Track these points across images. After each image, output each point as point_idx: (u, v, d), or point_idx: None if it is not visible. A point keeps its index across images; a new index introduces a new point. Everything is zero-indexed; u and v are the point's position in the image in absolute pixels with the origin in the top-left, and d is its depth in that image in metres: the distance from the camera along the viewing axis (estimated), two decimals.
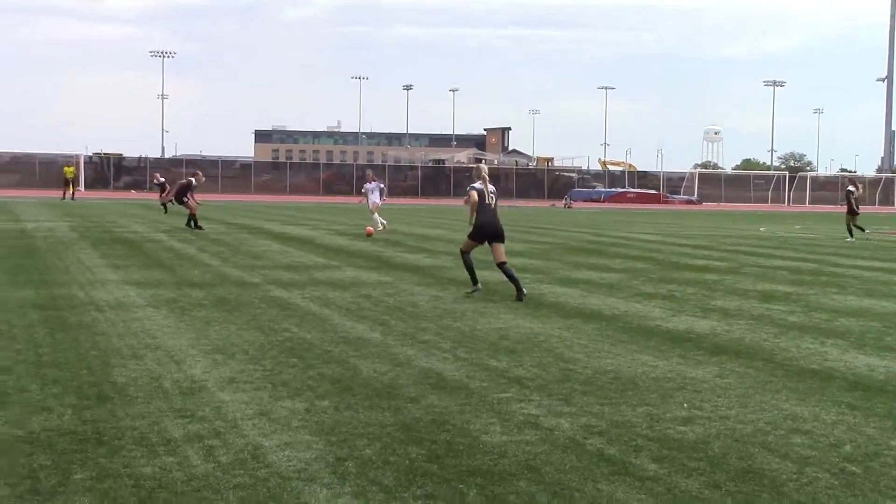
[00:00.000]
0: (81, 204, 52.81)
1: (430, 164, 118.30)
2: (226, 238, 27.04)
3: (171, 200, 39.94)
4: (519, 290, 14.82)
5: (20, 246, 22.56)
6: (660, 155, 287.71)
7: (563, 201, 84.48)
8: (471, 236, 15.34)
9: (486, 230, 15.17)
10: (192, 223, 30.14)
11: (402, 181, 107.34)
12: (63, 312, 12.34)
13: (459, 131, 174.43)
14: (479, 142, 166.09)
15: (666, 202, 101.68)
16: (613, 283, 17.63)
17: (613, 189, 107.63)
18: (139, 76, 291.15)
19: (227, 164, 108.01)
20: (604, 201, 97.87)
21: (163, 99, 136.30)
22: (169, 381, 8.53)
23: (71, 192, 60.93)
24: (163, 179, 45.27)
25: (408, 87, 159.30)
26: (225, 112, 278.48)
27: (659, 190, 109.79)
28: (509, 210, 66.23)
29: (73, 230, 28.92)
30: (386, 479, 6.04)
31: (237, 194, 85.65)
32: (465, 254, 15.49)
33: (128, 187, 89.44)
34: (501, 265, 15.15)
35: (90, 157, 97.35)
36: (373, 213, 31.60)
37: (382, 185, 33.05)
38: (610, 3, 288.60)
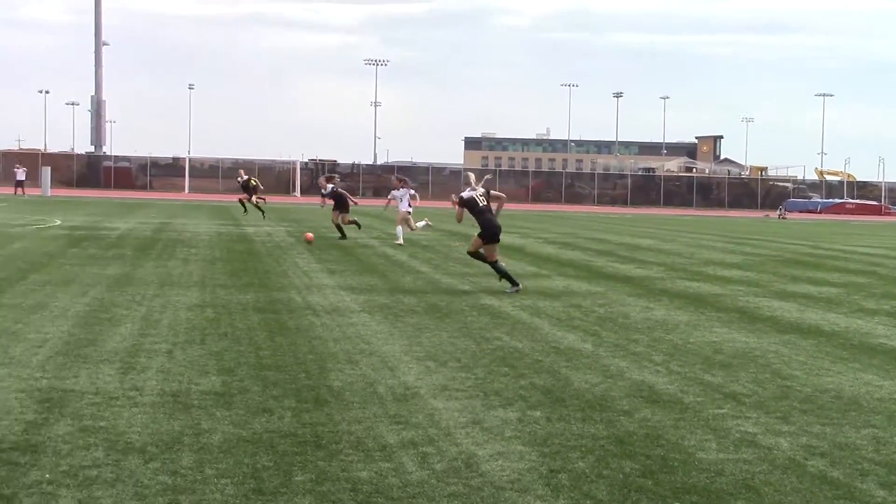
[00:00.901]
0: (297, 209, 54.47)
1: (640, 173, 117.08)
2: (436, 245, 27.39)
3: (249, 200, 39.13)
4: (513, 282, 16.24)
5: (241, 250, 23.42)
6: (881, 164, 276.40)
7: (778, 212, 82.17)
8: (480, 236, 16.57)
9: (492, 229, 16.44)
10: (342, 232, 28.51)
11: (610, 189, 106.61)
12: (282, 316, 12.73)
13: (670, 139, 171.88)
14: (689, 150, 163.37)
15: (888, 213, 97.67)
16: (832, 297, 17.01)
17: (830, 200, 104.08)
18: (354, 84, 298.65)
19: (437, 170, 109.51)
20: (820, 212, 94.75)
21: (375, 106, 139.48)
22: (383, 387, 8.68)
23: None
24: (246, 177, 41.96)
25: (618, 95, 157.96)
26: (435, 119, 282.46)
27: (880, 201, 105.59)
28: (718, 220, 64.78)
29: (290, 235, 29.83)
30: (600, 493, 5.98)
31: (447, 201, 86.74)
32: (472, 254, 16.94)
33: None
34: (494, 263, 16.53)
35: (305, 164, 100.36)
36: (400, 223, 27.81)
37: (413, 191, 29.47)
38: (833, 7, 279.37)
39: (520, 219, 52.13)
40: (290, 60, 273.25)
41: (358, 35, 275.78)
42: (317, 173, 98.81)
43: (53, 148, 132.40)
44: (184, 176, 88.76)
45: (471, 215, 16.57)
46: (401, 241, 26.62)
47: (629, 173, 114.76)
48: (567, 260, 23.70)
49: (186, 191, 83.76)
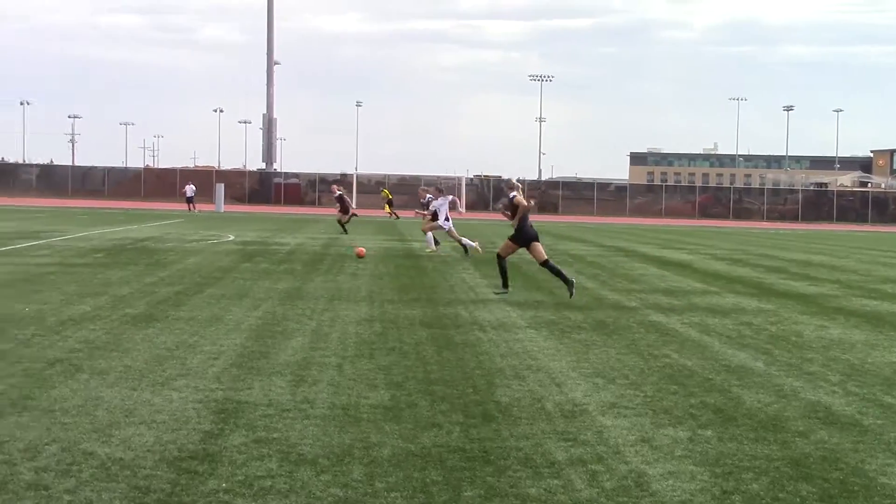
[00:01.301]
0: (463, 224, 54.76)
1: (812, 188, 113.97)
2: (602, 261, 27.18)
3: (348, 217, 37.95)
4: (567, 282, 16.82)
5: (408, 265, 23.67)
6: None
7: None
8: (513, 239, 17.23)
9: (529, 234, 17.07)
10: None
11: (780, 205, 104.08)
12: (449, 331, 12.80)
13: (843, 153, 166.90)
14: (864, 164, 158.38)
15: None
16: None
17: None
18: (518, 100, 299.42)
19: (602, 186, 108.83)
20: None
21: (540, 122, 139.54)
22: (551, 403, 8.63)
23: (389, 211, 64.44)
24: (340, 192, 40.83)
25: (788, 108, 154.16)
26: (600, 134, 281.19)
27: None
28: (889, 236, 62.54)
29: (455, 250, 30.02)
30: None
31: (612, 217, 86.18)
32: (502, 258, 17.41)
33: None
34: (545, 263, 17.14)
35: (471, 180, 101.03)
36: (428, 231, 27.30)
37: (452, 196, 28.46)
38: None
39: (687, 234, 51.34)
40: (455, 77, 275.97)
41: (521, 51, 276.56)
42: (481, 189, 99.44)
43: (227, 165, 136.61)
44: (351, 192, 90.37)
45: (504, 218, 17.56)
46: (432, 247, 27.01)
47: (800, 188, 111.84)
48: (736, 276, 23.21)
49: (353, 206, 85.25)
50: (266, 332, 12.25)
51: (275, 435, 7.31)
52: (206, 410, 8.00)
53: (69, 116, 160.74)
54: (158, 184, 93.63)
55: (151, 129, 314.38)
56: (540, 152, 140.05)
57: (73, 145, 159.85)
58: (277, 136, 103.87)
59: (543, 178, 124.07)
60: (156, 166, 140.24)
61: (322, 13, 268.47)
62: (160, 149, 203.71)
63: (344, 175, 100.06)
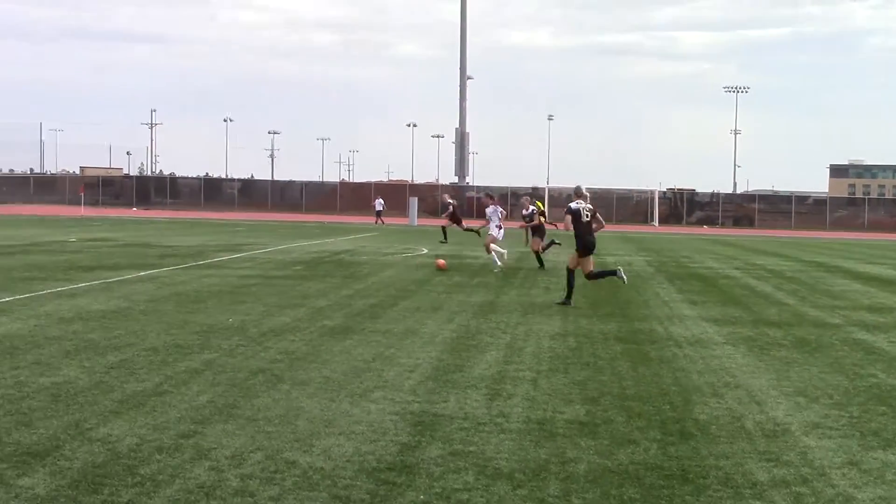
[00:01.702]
0: (656, 238, 54.05)
1: None
2: (801, 276, 26.38)
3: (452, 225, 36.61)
4: (616, 274, 17.65)
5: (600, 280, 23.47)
6: None
7: None
8: (578, 251, 17.42)
9: (589, 244, 17.43)
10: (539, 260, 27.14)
11: None
12: (643, 346, 12.63)
13: None
14: None
15: None
16: None
17: None
18: (713, 112, 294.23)
19: (800, 199, 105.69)
20: None
21: (735, 134, 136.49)
22: (751, 422, 8.41)
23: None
24: (451, 202, 38.97)
25: None
26: (798, 146, 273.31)
27: None
28: None
29: (650, 264, 29.66)
30: None
31: (810, 230, 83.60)
32: (571, 270, 17.56)
33: (700, 223, 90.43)
34: (589, 275, 17.71)
35: (664, 193, 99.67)
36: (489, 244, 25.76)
37: (501, 209, 26.51)
38: None
39: (892, 249, 49.33)
40: (646, 89, 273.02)
41: (715, 62, 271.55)
42: (675, 203, 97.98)
43: (420, 179, 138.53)
44: (544, 204, 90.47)
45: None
46: (499, 263, 25.20)
47: None
48: None
49: (546, 220, 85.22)
50: (461, 345, 12.33)
51: (471, 448, 7.34)
52: (403, 422, 8.09)
53: (269, 132, 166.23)
54: (353, 198, 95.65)
55: (347, 144, 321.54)
56: (735, 165, 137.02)
57: (272, 160, 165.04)
58: (470, 150, 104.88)
59: (739, 192, 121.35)
60: (351, 180, 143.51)
61: (514, 28, 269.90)
62: (355, 163, 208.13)
63: (535, 188, 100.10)
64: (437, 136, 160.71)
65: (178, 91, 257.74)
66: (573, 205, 17.48)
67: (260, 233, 45.42)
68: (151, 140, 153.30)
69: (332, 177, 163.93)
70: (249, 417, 8.12)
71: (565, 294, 17.58)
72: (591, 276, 17.80)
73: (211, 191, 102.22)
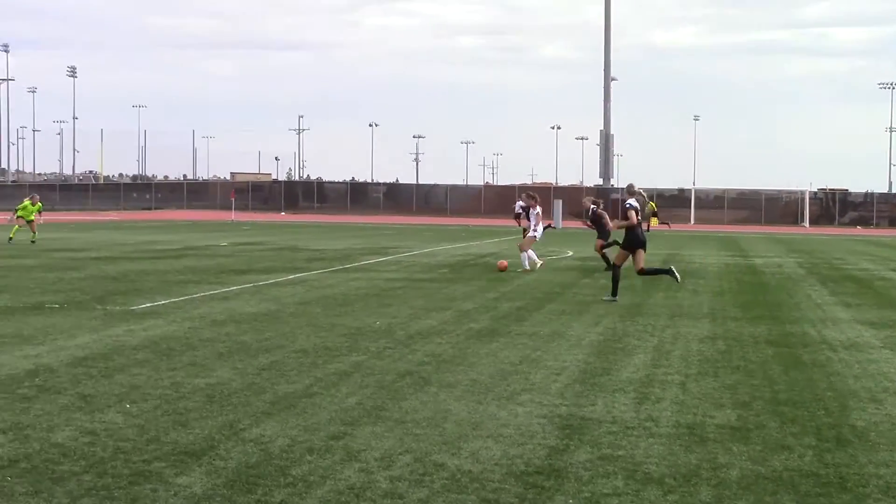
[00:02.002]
0: (806, 239, 52.72)
1: None
2: None
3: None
4: (667, 272, 18.45)
5: (750, 281, 23.03)
6: None
7: None
8: (624, 247, 17.73)
9: (640, 240, 17.69)
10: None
11: None
12: (796, 350, 12.32)
13: None
14: None
15: None
16: None
17: None
18: (866, 110, 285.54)
19: None
20: None
21: (891, 132, 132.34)
22: None
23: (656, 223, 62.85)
24: (521, 204, 39.18)
25: None
26: None
27: None
28: None
29: (801, 266, 28.96)
30: None
31: None
32: (618, 267, 17.77)
33: (853, 223, 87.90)
34: (641, 272, 18.01)
35: (815, 193, 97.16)
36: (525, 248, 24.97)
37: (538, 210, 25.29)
38: None
39: None
40: (796, 87, 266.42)
41: (869, 59, 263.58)
42: (826, 203, 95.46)
43: (564, 181, 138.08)
44: (689, 207, 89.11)
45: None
46: (527, 266, 24.27)
47: None
48: None
49: (692, 222, 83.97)
50: (607, 348, 12.23)
51: (620, 452, 7.25)
52: (550, 426, 8.05)
53: (414, 136, 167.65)
54: (498, 201, 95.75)
55: (491, 147, 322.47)
56: (890, 164, 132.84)
57: (416, 164, 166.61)
58: (614, 152, 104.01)
59: (894, 191, 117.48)
60: (495, 183, 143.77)
61: (658, 28, 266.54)
62: (499, 166, 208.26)
63: (682, 190, 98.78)
64: (581, 139, 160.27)
65: (325, 97, 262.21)
66: (632, 201, 17.72)
67: (405, 236, 45.87)
68: (299, 146, 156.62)
69: (476, 180, 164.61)
70: (398, 419, 8.18)
71: (611, 291, 17.73)
72: (642, 272, 18.14)
73: (357, 195, 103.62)
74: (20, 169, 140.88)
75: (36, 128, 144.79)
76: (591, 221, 26.47)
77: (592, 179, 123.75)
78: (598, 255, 25.47)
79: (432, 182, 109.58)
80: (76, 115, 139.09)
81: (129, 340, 12.13)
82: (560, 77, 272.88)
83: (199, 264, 25.00)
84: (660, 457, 7.15)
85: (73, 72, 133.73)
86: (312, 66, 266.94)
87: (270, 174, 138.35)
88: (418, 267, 25.41)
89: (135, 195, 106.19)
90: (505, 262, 24.90)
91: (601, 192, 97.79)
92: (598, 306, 16.71)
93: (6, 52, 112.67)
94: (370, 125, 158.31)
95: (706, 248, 39.29)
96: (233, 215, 72.58)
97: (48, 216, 42.56)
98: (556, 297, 18.11)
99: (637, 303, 17.49)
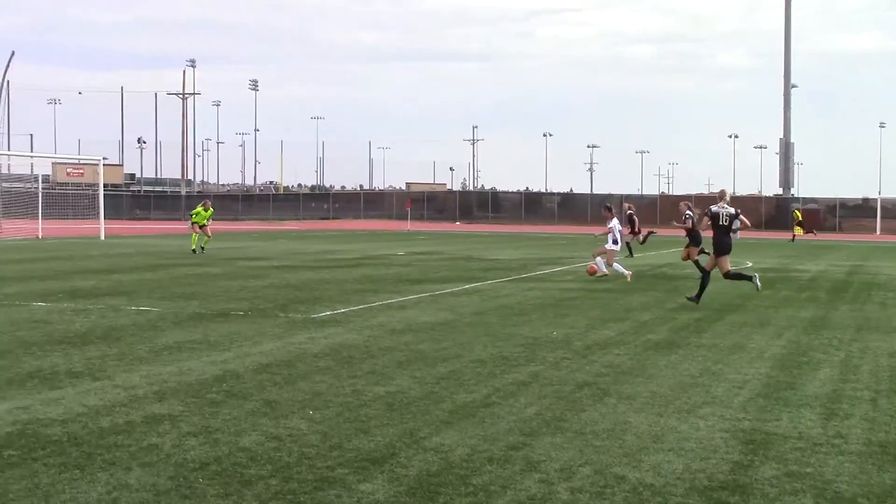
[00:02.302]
0: None
1: None
2: None
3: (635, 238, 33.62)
4: (751, 278, 18.70)
5: None
6: None
7: None
8: (715, 253, 18.26)
9: (724, 246, 18.24)
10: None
11: None
12: None
13: None
14: None
15: None
16: None
17: None
18: None
19: None
20: None
21: None
22: None
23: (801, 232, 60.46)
24: (630, 211, 37.31)
25: None
26: None
27: None
28: None
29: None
30: None
31: None
32: (707, 271, 18.60)
33: None
34: (726, 275, 18.46)
35: None
36: (599, 255, 25.27)
37: (618, 224, 25.37)
38: None
39: None
40: None
41: None
42: None
43: (741, 191, 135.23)
44: (874, 217, 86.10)
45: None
46: (604, 270, 24.59)
47: None
48: None
49: (878, 232, 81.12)
50: (791, 361, 11.89)
51: (808, 469, 7.03)
52: (733, 440, 7.87)
53: (588, 146, 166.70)
54: (673, 211, 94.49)
55: (666, 157, 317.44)
56: None
57: (591, 174, 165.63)
58: (794, 161, 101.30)
59: None
60: (671, 193, 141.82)
61: (840, 33, 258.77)
62: (674, 175, 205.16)
63: (865, 200, 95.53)
64: (760, 147, 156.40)
65: (499, 107, 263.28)
66: (714, 207, 18.23)
67: (580, 246, 45.60)
68: (473, 156, 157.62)
69: (650, 189, 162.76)
70: (577, 431, 8.13)
71: (696, 293, 18.33)
72: (728, 276, 18.64)
73: (531, 205, 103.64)
74: (205, 180, 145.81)
75: (220, 140, 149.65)
76: (687, 229, 25.69)
77: (771, 189, 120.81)
78: (695, 263, 24.90)
79: (606, 192, 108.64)
80: (258, 127, 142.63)
81: (310, 348, 12.40)
82: (737, 85, 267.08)
83: (376, 273, 25.39)
84: (851, 475, 6.91)
85: (254, 85, 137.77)
86: (487, 77, 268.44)
87: (445, 184, 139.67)
88: (594, 277, 25.22)
89: (313, 205, 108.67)
90: (594, 267, 24.81)
91: (781, 201, 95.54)
92: (780, 318, 16.28)
93: (193, 67, 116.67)
94: (544, 135, 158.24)
95: (894, 260, 37.86)
96: (408, 225, 73.52)
97: (231, 226, 44.06)
98: (737, 309, 17.72)
99: (821, 315, 16.97)
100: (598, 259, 25.09)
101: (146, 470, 6.80)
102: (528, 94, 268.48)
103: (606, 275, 24.59)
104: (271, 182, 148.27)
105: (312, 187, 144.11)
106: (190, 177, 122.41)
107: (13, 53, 57.93)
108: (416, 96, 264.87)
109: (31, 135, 64.45)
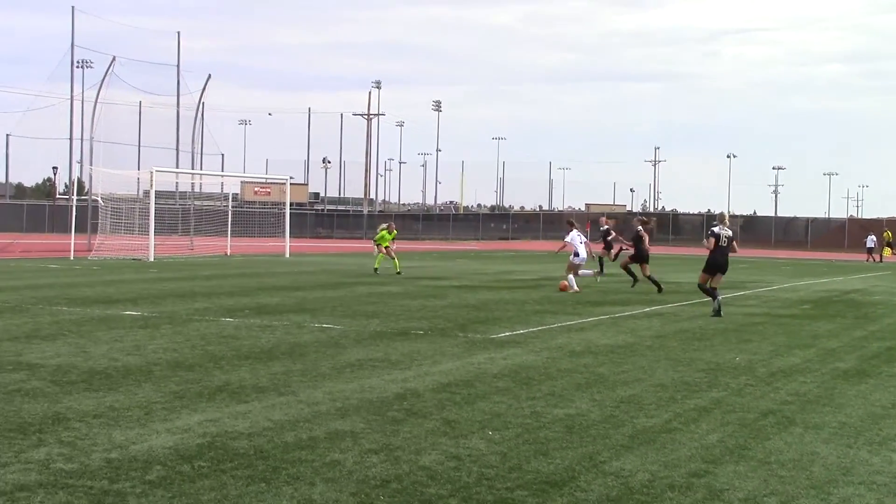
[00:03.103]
0: None
1: None
2: None
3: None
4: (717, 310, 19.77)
5: None
6: None
7: None
8: (705, 270, 20.12)
9: (716, 265, 19.99)
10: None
11: None
12: None
13: None
14: None
15: None
16: None
17: None
18: None
19: None
20: None
21: None
22: None
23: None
24: (605, 227, 35.83)
25: None
26: None
27: None
28: None
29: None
30: None
31: None
32: (702, 285, 20.27)
33: None
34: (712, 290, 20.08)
35: None
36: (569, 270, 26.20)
37: (582, 237, 26.48)
38: None
39: None
40: None
41: None
42: None
43: None
44: None
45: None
46: (576, 288, 25.54)
47: None
48: None
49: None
50: None
51: None
52: None
53: (773, 168, 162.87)
54: (862, 234, 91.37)
55: (856, 179, 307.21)
56: None
57: (775, 196, 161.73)
58: None
59: None
60: (860, 216, 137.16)
61: None
62: (864, 198, 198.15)
63: None
64: None
65: (681, 127, 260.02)
66: (716, 229, 19.94)
67: (763, 270, 44.57)
68: (654, 177, 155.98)
69: (839, 213, 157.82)
70: (761, 460, 7.92)
71: (714, 306, 19.79)
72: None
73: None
74: (387, 199, 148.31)
75: (402, 160, 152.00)
76: (632, 240, 28.59)
77: None
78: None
79: (791, 215, 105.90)
80: (439, 147, 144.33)
81: (489, 368, 12.44)
82: None
83: (555, 295, 25.32)
84: None
85: (437, 106, 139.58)
86: (669, 97, 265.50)
87: (625, 205, 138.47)
88: (778, 302, 24.61)
89: (492, 225, 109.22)
90: (565, 283, 25.78)
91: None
92: None
93: (378, 88, 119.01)
94: (728, 156, 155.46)
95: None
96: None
97: (411, 245, 44.59)
98: None
99: None
100: (571, 277, 26.03)
101: (329, 485, 6.93)
102: (711, 114, 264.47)
103: (578, 291, 25.45)
104: (451, 202, 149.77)
105: (492, 207, 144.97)
106: (372, 196, 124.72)
107: (209, 77, 59.78)
108: (596, 117, 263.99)
109: (223, 154, 66.56)
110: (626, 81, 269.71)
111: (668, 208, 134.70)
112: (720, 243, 19.87)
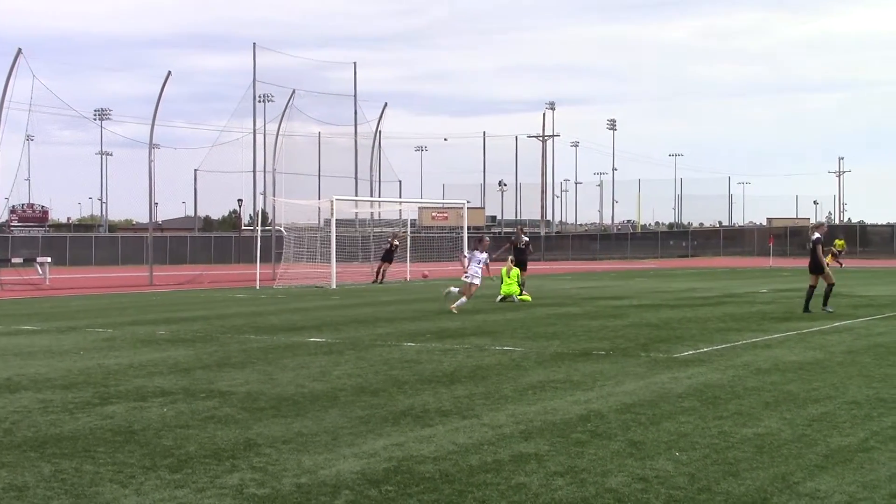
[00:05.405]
0: None
1: None
2: None
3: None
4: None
5: None
6: None
7: None
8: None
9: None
10: None
11: None
12: None
13: None
14: None
15: None
16: None
17: None
18: None
19: None
20: None
21: None
22: None
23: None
24: (394, 243, 36.18)
25: None
26: None
27: None
28: None
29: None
30: None
31: None
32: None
33: None
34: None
35: None
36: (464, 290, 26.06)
37: (482, 255, 26.40)
38: None
39: None
40: None
41: None
42: None
43: None
44: None
45: None
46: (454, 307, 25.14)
47: None
48: None
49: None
50: None
51: None
52: None
53: None
54: None
55: None
56: None
57: None
58: None
59: None
60: None
61: None
62: None
63: None
64: None
65: (867, 136, 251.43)
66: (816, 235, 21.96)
67: None
68: (839, 188, 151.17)
69: None
70: None
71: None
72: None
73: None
74: (563, 220, 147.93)
75: (577, 180, 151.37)
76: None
77: None
78: None
79: None
80: (615, 166, 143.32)
81: (673, 388, 12.21)
82: None
83: (739, 311, 24.76)
84: None
85: (612, 125, 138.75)
86: (853, 106, 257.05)
87: (808, 218, 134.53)
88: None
89: (671, 242, 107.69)
90: (427, 273, 25.56)
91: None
92: None
93: (552, 109, 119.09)
94: None
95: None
96: (770, 261, 71.31)
97: (589, 265, 44.10)
98: None
99: None
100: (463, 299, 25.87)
101: None
102: None
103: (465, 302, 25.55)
104: (629, 221, 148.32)
105: (670, 225, 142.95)
106: (549, 217, 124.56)
107: (385, 105, 60.95)
108: (776, 129, 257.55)
109: (400, 181, 67.86)
110: (807, 92, 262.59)
111: (854, 220, 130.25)
112: (808, 247, 20.26)
